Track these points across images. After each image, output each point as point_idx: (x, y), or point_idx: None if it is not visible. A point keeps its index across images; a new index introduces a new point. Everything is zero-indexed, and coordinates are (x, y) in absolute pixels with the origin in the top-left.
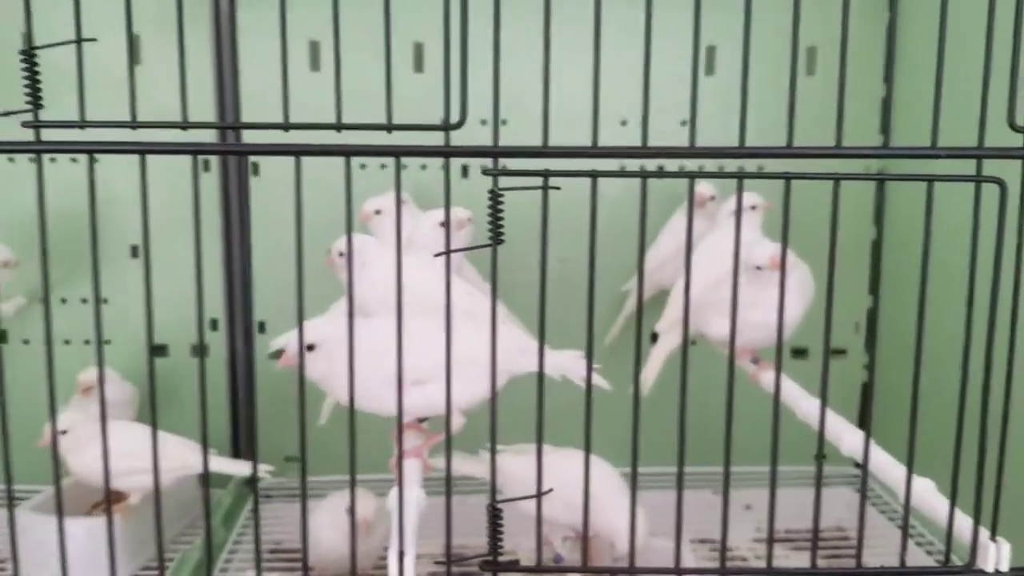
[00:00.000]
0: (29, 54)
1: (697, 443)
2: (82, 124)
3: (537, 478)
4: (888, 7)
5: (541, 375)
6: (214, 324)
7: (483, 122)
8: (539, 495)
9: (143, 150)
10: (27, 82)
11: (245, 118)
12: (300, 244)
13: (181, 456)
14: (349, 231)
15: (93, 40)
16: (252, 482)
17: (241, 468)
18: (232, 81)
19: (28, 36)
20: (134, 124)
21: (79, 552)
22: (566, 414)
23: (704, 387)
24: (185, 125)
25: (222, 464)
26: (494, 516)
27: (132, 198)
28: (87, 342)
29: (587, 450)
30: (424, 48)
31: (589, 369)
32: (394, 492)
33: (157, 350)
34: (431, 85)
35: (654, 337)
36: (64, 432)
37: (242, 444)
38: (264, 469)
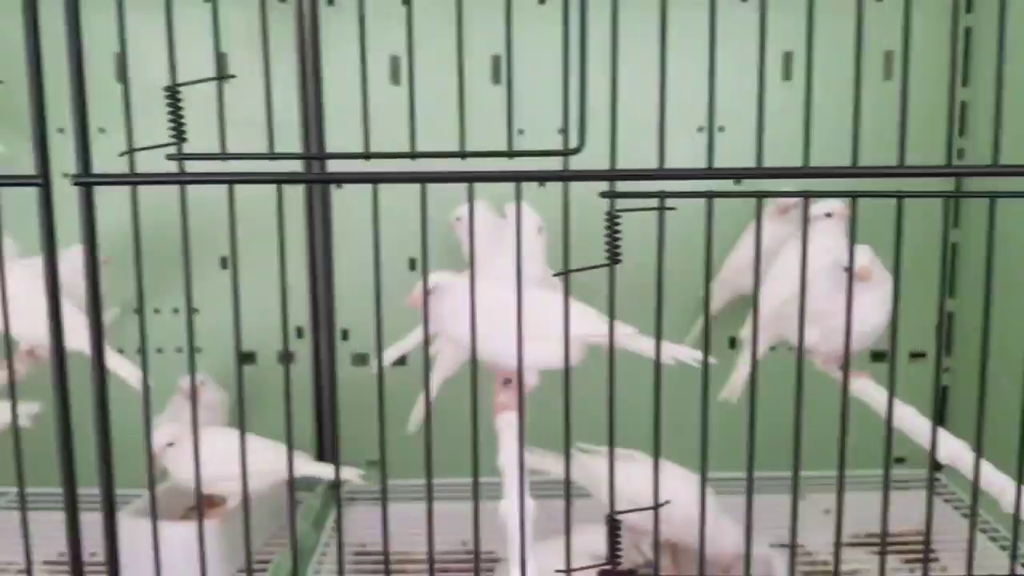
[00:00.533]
0: (173, 91)
1: (780, 448)
2: (223, 156)
3: (654, 490)
4: (966, 8)
5: (658, 384)
6: (299, 332)
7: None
8: (656, 507)
9: (232, 180)
10: (171, 117)
11: (329, 129)
12: (377, 262)
13: (276, 461)
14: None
15: (233, 77)
16: (336, 486)
17: (331, 472)
18: (315, 93)
19: (172, 74)
20: (272, 156)
21: (176, 556)
22: (642, 416)
23: (788, 393)
24: (316, 156)
25: (312, 468)
26: (612, 526)
27: (221, 211)
28: (179, 350)
29: (657, 449)
30: (502, 61)
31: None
32: (506, 503)
33: (245, 357)
34: (501, 96)
35: (732, 342)
36: (171, 444)
37: (326, 448)
38: (353, 473)
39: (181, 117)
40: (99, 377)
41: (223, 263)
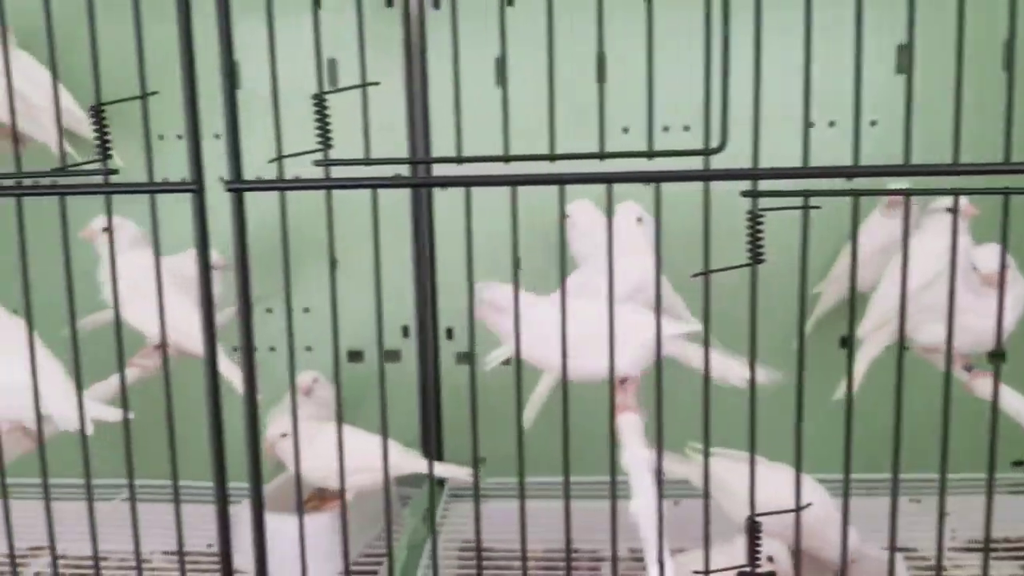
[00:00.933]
0: (320, 99)
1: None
2: (367, 162)
3: (796, 496)
4: None
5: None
6: (405, 331)
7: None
8: (798, 509)
9: (375, 184)
10: (317, 124)
11: (435, 130)
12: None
13: (391, 458)
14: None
15: (377, 84)
16: (439, 483)
17: (442, 469)
18: (422, 96)
19: (320, 83)
20: (414, 160)
21: (291, 548)
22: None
23: (909, 394)
24: (456, 159)
25: (422, 465)
26: (752, 528)
27: (336, 212)
28: (273, 348)
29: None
30: (606, 59)
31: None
32: (637, 501)
33: (353, 356)
34: (612, 94)
35: (843, 342)
36: (284, 435)
37: (432, 445)
38: (464, 472)
39: (327, 124)
40: (249, 371)
41: (333, 264)
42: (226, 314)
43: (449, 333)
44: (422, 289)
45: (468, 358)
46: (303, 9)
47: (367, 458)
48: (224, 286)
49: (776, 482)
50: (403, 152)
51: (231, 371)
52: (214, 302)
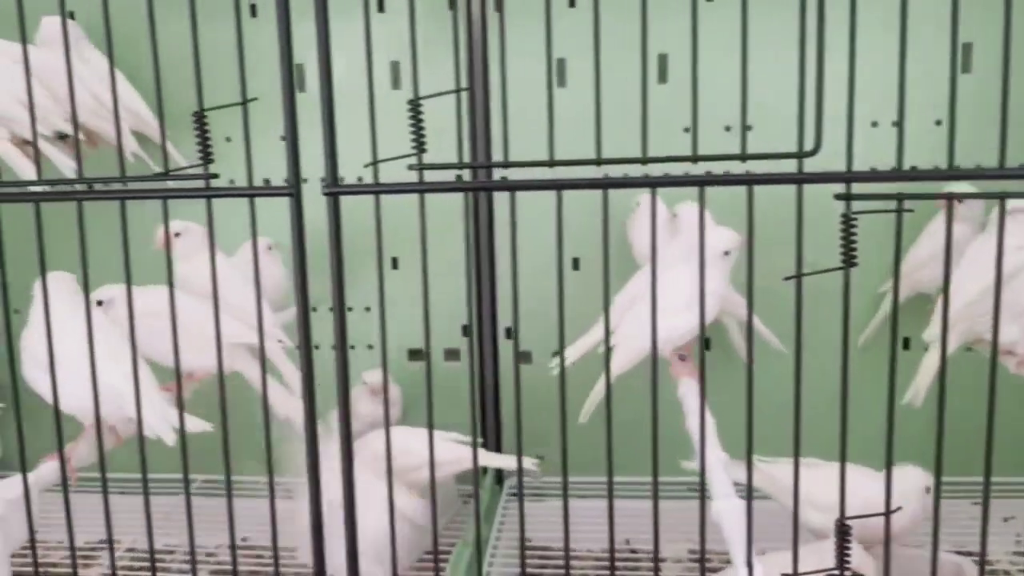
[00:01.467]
0: (415, 105)
1: (960, 453)
2: (460, 166)
3: (885, 498)
4: None
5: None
6: (465, 330)
7: (749, 128)
8: (887, 512)
9: (471, 188)
10: (412, 129)
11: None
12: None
13: (456, 451)
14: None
15: (467, 90)
16: (498, 481)
17: (507, 462)
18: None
19: (415, 89)
20: (506, 164)
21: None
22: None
23: (977, 395)
24: (553, 163)
25: (491, 459)
26: (843, 532)
27: (395, 214)
28: (353, 347)
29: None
30: (668, 60)
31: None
32: (720, 503)
33: (415, 354)
34: (674, 95)
35: (906, 343)
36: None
37: (490, 443)
38: (531, 462)
39: (422, 129)
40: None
41: (395, 263)
42: (290, 312)
43: (508, 332)
44: (482, 288)
45: (526, 357)
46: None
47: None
48: (288, 283)
49: (854, 484)
50: (467, 154)
51: (289, 369)
52: (308, 300)
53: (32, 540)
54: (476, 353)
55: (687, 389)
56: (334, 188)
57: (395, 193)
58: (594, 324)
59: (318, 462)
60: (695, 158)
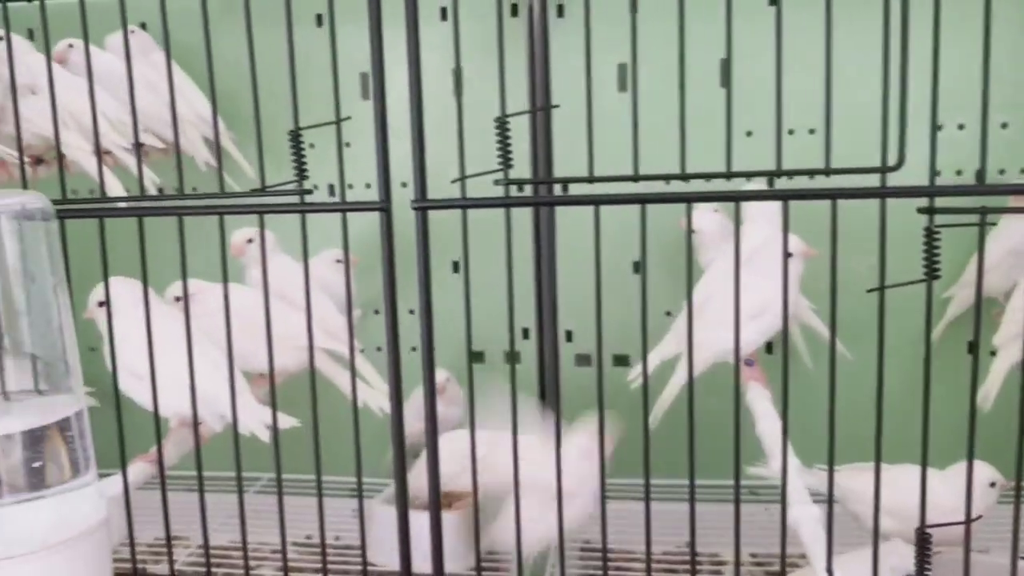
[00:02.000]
0: (503, 122)
1: None
2: (540, 181)
3: (966, 508)
4: None
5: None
6: (525, 333)
7: (811, 131)
8: (968, 521)
9: (552, 202)
10: (499, 146)
11: (558, 138)
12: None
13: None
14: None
15: (556, 107)
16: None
17: None
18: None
19: (502, 107)
20: (591, 179)
21: (424, 542)
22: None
23: None
24: (638, 178)
25: None
26: (922, 540)
27: (453, 220)
28: (413, 349)
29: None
30: (730, 64)
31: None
32: (797, 510)
33: (475, 356)
34: (736, 98)
35: (971, 347)
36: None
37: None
38: None
39: (509, 146)
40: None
41: (455, 267)
42: (357, 316)
43: (569, 335)
44: (542, 291)
45: (586, 360)
46: (431, 20)
47: (491, 457)
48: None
49: (907, 483)
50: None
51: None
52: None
53: (131, 537)
54: (535, 355)
55: (756, 394)
56: (423, 203)
57: (482, 208)
58: (666, 332)
59: (404, 463)
60: (779, 173)
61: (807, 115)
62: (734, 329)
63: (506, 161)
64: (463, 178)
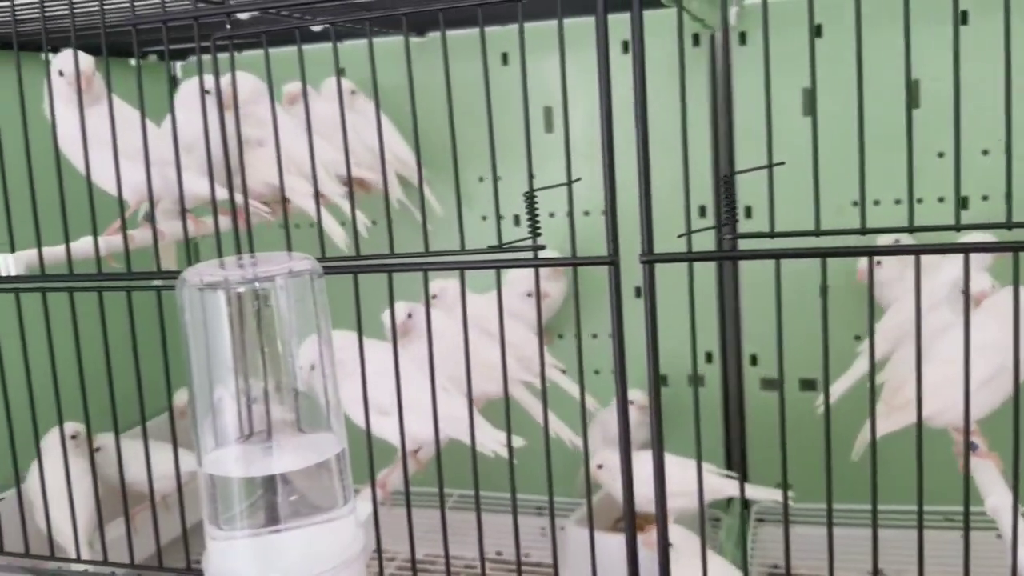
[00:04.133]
0: (729, 179)
1: None
2: (771, 235)
3: None
4: None
5: None
6: (709, 356)
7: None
8: None
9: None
10: (725, 202)
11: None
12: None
13: (708, 481)
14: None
15: (782, 164)
16: (745, 506)
17: (767, 495)
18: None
19: (731, 164)
20: (817, 232)
21: (610, 564)
22: None
23: None
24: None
25: (751, 492)
26: None
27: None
28: (597, 372)
29: None
30: (920, 84)
31: None
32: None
33: (662, 380)
34: (927, 119)
35: None
36: (600, 467)
37: (734, 470)
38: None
39: (734, 201)
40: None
41: (637, 292)
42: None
43: (753, 359)
44: (725, 315)
45: (771, 384)
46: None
47: (684, 483)
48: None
49: None
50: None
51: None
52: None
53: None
54: (720, 380)
55: (982, 469)
56: (650, 256)
57: (707, 260)
58: (858, 358)
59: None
60: (958, 227)
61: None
62: (950, 393)
63: (732, 217)
64: (688, 232)
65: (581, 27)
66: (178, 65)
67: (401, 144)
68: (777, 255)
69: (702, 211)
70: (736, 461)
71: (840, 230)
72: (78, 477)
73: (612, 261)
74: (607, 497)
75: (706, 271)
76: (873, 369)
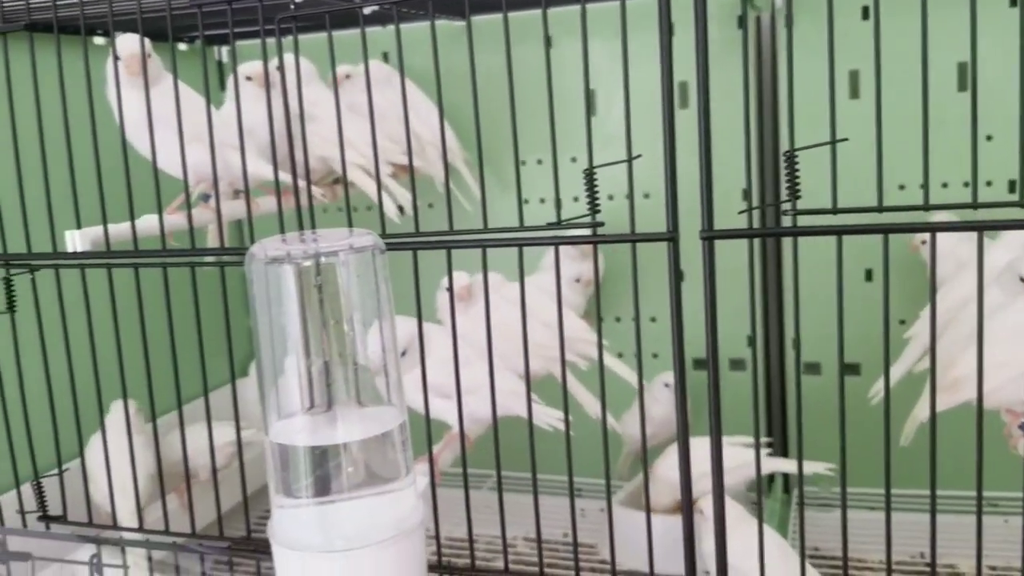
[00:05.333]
0: (791, 156)
1: None
2: (834, 211)
3: None
4: None
5: None
6: (750, 340)
7: None
8: None
9: (841, 231)
10: (787, 177)
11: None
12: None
13: (741, 456)
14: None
15: (845, 140)
16: (785, 490)
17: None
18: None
19: (791, 140)
20: (880, 208)
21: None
22: None
23: None
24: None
25: (778, 464)
26: None
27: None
28: (634, 354)
29: None
30: (967, 67)
31: None
32: None
33: (698, 364)
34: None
35: None
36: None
37: (776, 455)
38: (823, 467)
39: (797, 177)
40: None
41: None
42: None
43: (794, 343)
44: (768, 299)
45: (813, 368)
46: (651, 29)
47: (729, 461)
48: (584, 298)
49: None
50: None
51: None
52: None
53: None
54: (762, 363)
55: None
56: (711, 232)
57: (768, 236)
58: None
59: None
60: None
61: None
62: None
63: (794, 193)
64: (749, 209)
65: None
66: (223, 50)
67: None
68: (840, 231)
69: (744, 195)
70: (777, 447)
71: (902, 206)
72: (139, 449)
73: (671, 237)
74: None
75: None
76: (934, 351)
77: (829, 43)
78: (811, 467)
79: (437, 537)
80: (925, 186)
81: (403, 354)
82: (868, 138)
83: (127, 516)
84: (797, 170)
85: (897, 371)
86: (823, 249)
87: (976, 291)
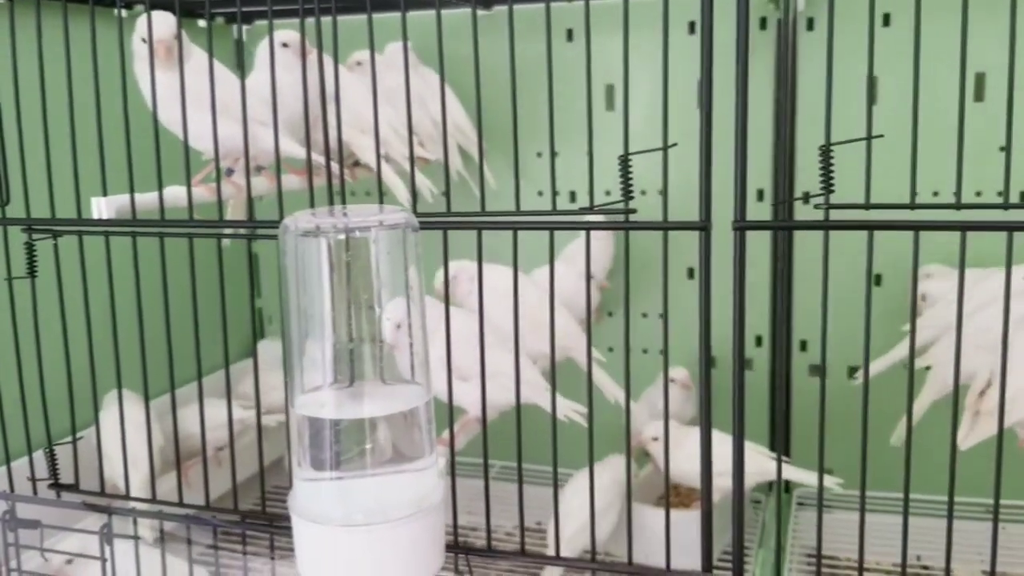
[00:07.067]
0: (826, 150)
1: None
2: (866, 206)
3: None
4: None
5: None
6: (759, 340)
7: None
8: None
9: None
10: (821, 171)
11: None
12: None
13: (758, 461)
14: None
15: (880, 136)
16: (786, 490)
17: (808, 478)
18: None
19: (827, 134)
20: (912, 205)
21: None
22: None
23: None
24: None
25: (792, 474)
26: None
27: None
28: (644, 351)
29: None
30: (985, 79)
31: None
32: None
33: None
34: (991, 113)
35: None
36: (655, 439)
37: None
38: (832, 481)
39: (831, 171)
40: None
41: (690, 273)
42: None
43: (803, 345)
44: (777, 299)
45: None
46: (679, 32)
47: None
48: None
49: None
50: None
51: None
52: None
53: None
54: (768, 363)
55: None
56: (743, 223)
57: (798, 229)
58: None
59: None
60: None
61: None
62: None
63: (828, 186)
64: (780, 202)
65: (644, 7)
66: (244, 29)
67: (463, 115)
68: (871, 226)
69: (759, 195)
70: (780, 446)
71: (933, 204)
72: (152, 423)
73: (704, 226)
74: (650, 473)
75: (760, 254)
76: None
77: (869, 47)
78: (811, 478)
79: (455, 517)
80: (958, 185)
81: (398, 327)
82: (886, 142)
83: (139, 487)
84: (832, 163)
85: (882, 364)
86: (833, 253)
87: (1004, 296)
